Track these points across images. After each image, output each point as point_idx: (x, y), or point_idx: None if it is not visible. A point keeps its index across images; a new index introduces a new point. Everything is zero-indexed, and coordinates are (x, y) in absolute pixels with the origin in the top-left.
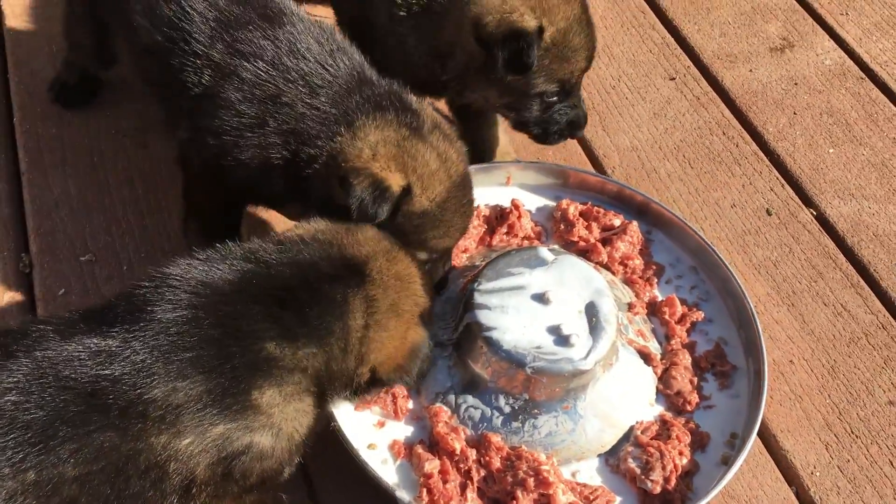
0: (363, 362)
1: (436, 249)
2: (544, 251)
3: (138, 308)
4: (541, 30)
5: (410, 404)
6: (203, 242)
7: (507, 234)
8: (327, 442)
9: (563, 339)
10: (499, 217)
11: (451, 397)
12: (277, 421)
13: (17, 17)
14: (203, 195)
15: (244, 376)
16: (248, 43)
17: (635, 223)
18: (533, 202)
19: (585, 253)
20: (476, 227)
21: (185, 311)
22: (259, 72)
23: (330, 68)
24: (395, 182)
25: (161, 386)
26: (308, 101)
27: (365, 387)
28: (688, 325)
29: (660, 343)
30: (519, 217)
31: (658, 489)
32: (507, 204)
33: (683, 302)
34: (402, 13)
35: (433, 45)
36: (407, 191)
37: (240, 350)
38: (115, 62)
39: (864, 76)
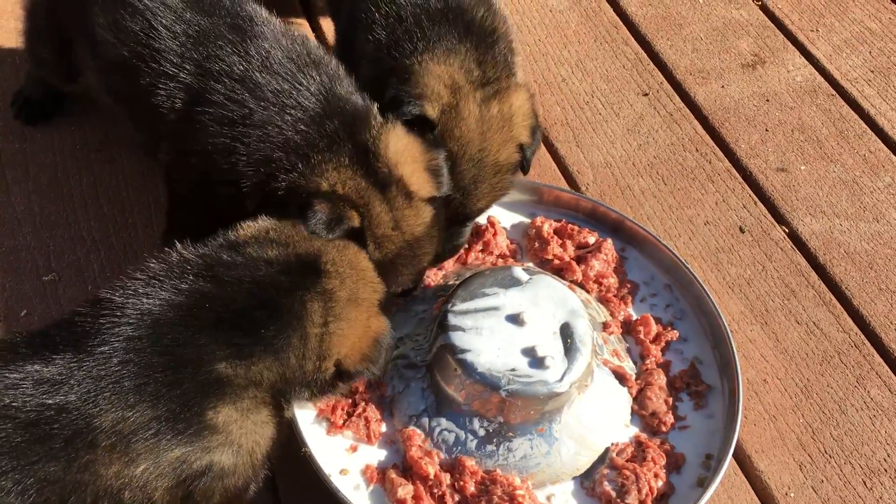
0: (326, 357)
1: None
2: (518, 271)
3: (79, 337)
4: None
5: (384, 427)
6: None
7: (483, 251)
8: (299, 468)
9: (537, 362)
10: (474, 234)
11: (425, 420)
12: (236, 437)
13: None
14: (189, 214)
15: (195, 399)
16: (217, 60)
17: (610, 241)
18: (507, 219)
19: (560, 271)
20: None
21: (125, 343)
22: (228, 92)
23: (299, 86)
24: (354, 219)
25: (109, 415)
26: (278, 123)
27: (330, 382)
28: (662, 344)
29: (634, 362)
30: (494, 234)
31: None
32: (482, 221)
33: (658, 321)
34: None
35: None
36: (359, 233)
37: (188, 375)
38: (79, 76)
39: (834, 93)
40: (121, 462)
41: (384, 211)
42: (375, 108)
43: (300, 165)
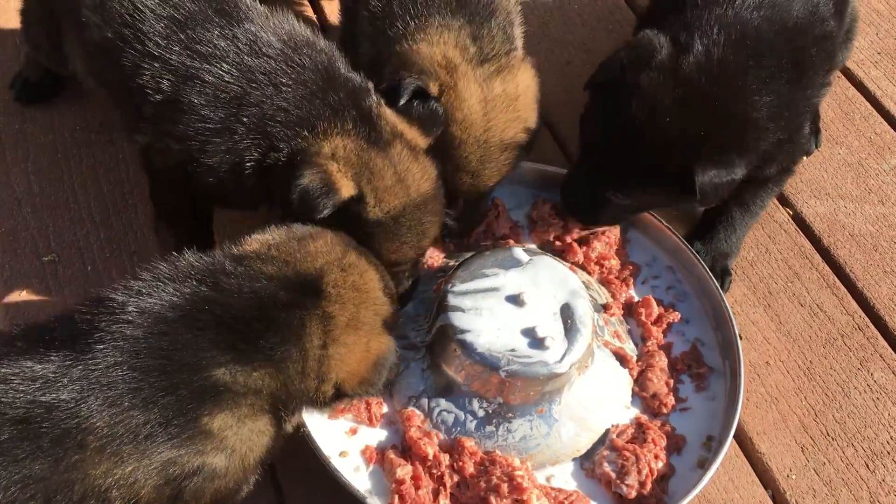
0: (325, 380)
1: (389, 261)
2: (519, 251)
3: (77, 335)
4: (359, 198)
5: (384, 409)
6: (175, 243)
7: (485, 233)
8: (297, 450)
9: (537, 342)
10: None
11: (424, 401)
12: (231, 443)
13: None
14: (170, 198)
15: (190, 405)
16: (206, 43)
17: None
18: (510, 201)
19: (562, 253)
20: None
21: (122, 343)
22: (222, 73)
23: (295, 66)
24: (345, 187)
25: (100, 416)
26: (275, 101)
27: (331, 401)
28: (664, 325)
29: (636, 344)
30: (497, 216)
31: (633, 493)
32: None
33: (660, 302)
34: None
35: None
36: (358, 199)
37: (184, 380)
38: (69, 59)
39: (840, 74)
40: (110, 462)
41: (387, 165)
42: (371, 85)
43: (305, 133)
